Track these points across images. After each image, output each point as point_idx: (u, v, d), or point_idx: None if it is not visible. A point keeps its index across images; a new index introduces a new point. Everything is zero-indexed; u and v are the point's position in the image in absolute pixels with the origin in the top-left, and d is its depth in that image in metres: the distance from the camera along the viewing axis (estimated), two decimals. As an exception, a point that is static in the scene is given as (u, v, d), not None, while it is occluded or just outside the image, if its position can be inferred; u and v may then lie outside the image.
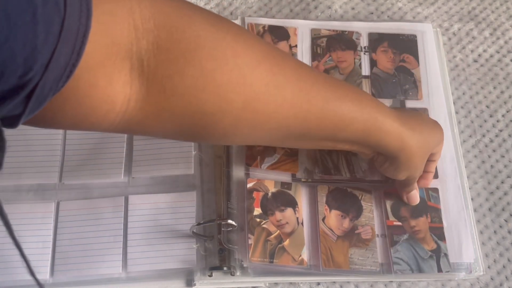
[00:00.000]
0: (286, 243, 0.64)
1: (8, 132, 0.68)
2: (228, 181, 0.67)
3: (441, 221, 0.66)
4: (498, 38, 0.79)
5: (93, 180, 0.68)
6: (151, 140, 0.69)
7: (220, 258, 0.64)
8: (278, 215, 0.65)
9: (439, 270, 0.63)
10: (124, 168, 0.68)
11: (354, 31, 0.77)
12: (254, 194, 0.65)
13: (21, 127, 0.69)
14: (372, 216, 0.66)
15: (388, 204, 0.67)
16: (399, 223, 0.66)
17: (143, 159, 0.68)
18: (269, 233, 0.64)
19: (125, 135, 0.70)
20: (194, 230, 0.63)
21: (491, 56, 0.78)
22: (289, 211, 0.65)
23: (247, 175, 0.67)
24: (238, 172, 0.67)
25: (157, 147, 0.68)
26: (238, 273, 0.63)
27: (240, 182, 0.67)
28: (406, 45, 0.76)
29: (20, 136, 0.69)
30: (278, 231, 0.64)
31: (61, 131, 0.70)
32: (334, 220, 0.66)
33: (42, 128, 0.62)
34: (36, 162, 0.68)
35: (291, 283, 0.65)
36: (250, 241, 0.63)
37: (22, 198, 0.67)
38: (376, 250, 0.64)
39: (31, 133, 0.69)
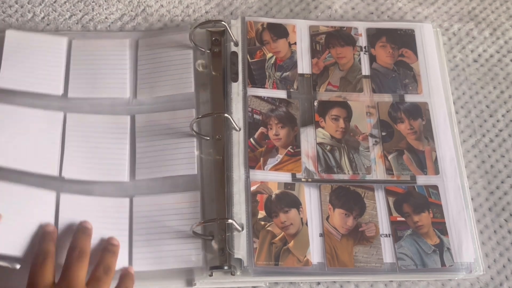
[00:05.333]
0: (291, 244, 0.64)
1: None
2: (229, 183, 0.67)
3: (443, 216, 0.68)
4: (498, 38, 0.79)
5: (95, 178, 0.67)
6: (153, 141, 0.68)
7: (220, 258, 0.64)
8: (282, 216, 0.65)
9: (443, 264, 0.65)
10: (129, 170, 0.68)
11: (352, 26, 0.77)
12: (258, 197, 0.65)
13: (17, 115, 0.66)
14: (375, 213, 0.66)
15: (391, 200, 0.67)
16: (403, 219, 0.66)
17: (146, 161, 0.68)
18: (274, 236, 0.65)
19: (128, 136, 0.69)
20: (195, 230, 0.63)
21: (491, 56, 0.78)
22: (293, 212, 0.65)
23: (248, 177, 0.66)
24: (239, 174, 0.67)
25: (160, 148, 0.68)
26: (238, 273, 0.64)
27: (243, 185, 0.67)
28: (404, 39, 0.78)
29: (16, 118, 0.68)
30: (283, 233, 0.64)
31: (60, 125, 0.69)
32: (338, 218, 0.66)
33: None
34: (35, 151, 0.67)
35: (291, 282, 0.66)
36: (255, 245, 0.63)
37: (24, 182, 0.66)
38: (381, 247, 0.64)
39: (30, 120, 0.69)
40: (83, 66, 0.74)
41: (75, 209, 0.65)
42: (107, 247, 0.62)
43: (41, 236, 0.61)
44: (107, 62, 0.74)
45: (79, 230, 0.62)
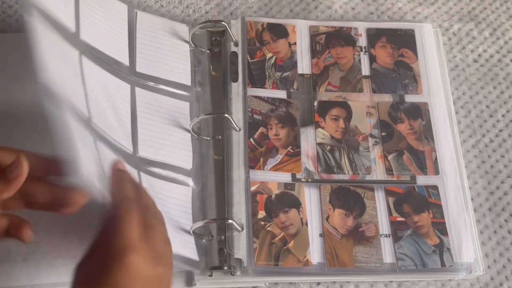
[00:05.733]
0: (290, 244, 0.64)
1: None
2: (229, 183, 0.67)
3: (443, 216, 0.68)
4: (498, 38, 0.79)
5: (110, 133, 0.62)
6: (154, 121, 0.68)
7: (220, 258, 0.64)
8: (282, 216, 0.66)
9: (443, 264, 0.65)
10: (131, 141, 0.65)
11: (352, 26, 0.77)
12: (258, 197, 0.66)
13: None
14: (375, 213, 0.67)
15: (391, 200, 0.67)
16: (403, 219, 0.66)
17: (147, 139, 0.66)
18: (274, 236, 0.65)
19: (129, 108, 0.67)
20: (194, 230, 0.63)
21: (491, 56, 0.78)
22: (293, 212, 0.66)
23: (248, 177, 0.66)
24: (239, 174, 0.67)
25: (159, 131, 0.67)
26: (238, 273, 0.64)
27: (243, 185, 0.67)
28: (404, 39, 0.78)
29: None
30: (283, 233, 0.65)
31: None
32: (338, 218, 0.66)
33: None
34: None
35: (291, 283, 0.66)
36: (255, 245, 0.63)
37: None
38: (380, 247, 0.64)
39: None
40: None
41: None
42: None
43: (115, 175, 0.52)
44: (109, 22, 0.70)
45: (139, 187, 0.53)
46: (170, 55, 0.73)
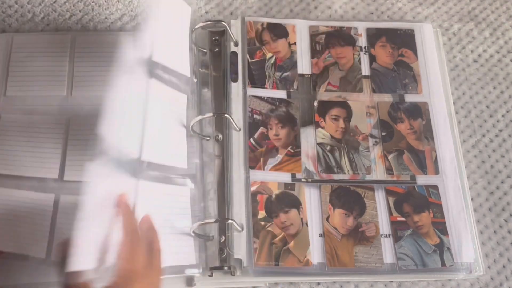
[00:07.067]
0: (291, 244, 0.64)
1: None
2: (229, 183, 0.67)
3: (443, 216, 0.68)
4: (498, 38, 0.79)
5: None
6: None
7: (220, 258, 0.65)
8: (282, 217, 0.66)
9: (443, 264, 0.65)
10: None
11: (352, 26, 0.77)
12: (258, 197, 0.66)
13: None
14: (375, 213, 0.66)
15: (391, 200, 0.67)
16: (403, 219, 0.66)
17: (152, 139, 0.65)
18: (274, 236, 0.65)
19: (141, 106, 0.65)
20: (195, 230, 0.63)
21: (491, 56, 0.78)
22: (293, 212, 0.66)
23: (248, 177, 0.66)
24: (239, 175, 0.67)
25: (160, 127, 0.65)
26: (238, 273, 0.64)
27: (243, 185, 0.67)
28: (404, 39, 0.78)
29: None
30: (283, 233, 0.65)
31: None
32: (338, 218, 0.66)
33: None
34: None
35: (291, 283, 0.66)
36: (255, 245, 0.63)
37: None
38: (381, 247, 0.64)
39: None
40: None
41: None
42: None
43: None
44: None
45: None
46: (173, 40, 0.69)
